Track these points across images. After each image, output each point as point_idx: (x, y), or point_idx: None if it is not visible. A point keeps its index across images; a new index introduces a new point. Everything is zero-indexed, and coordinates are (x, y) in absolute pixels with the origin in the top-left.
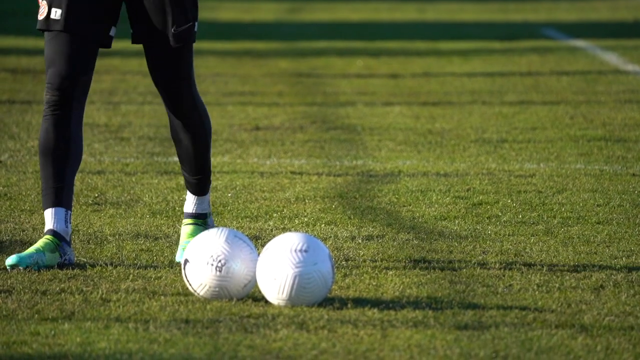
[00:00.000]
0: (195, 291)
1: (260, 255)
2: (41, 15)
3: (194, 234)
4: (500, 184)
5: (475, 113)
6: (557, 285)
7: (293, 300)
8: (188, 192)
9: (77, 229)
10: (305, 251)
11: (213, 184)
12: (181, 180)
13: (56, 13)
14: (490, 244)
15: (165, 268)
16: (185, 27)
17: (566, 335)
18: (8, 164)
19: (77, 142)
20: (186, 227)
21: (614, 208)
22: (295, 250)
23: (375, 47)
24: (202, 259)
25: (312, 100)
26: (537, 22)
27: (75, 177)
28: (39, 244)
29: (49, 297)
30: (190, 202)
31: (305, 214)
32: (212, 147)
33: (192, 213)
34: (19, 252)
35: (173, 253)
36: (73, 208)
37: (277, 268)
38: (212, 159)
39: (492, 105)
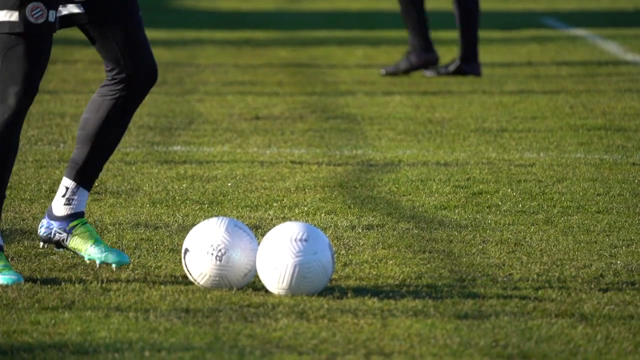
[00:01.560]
0: (195, 280)
1: (260, 244)
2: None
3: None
4: (500, 173)
5: (475, 102)
6: (557, 274)
7: (293, 290)
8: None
9: None
10: (305, 240)
11: (214, 173)
12: (181, 170)
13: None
14: (490, 233)
15: (165, 257)
16: None
17: (566, 325)
18: None
19: None
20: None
21: (614, 197)
22: (295, 240)
23: (375, 37)
24: (202, 248)
25: (312, 89)
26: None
27: None
28: None
29: (49, 286)
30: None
31: (305, 203)
32: (213, 137)
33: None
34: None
35: (173, 242)
36: None
37: (277, 257)
38: (212, 148)
39: (492, 95)
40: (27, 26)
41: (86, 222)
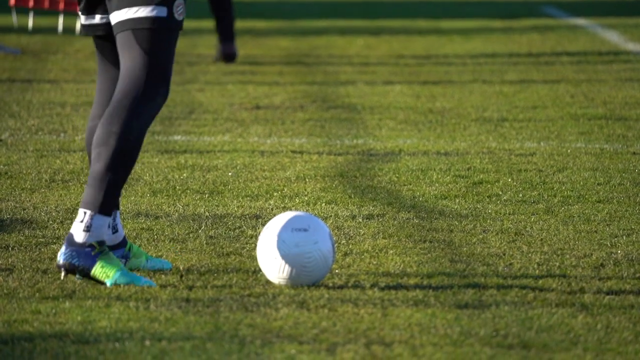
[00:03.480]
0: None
1: (261, 234)
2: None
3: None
4: (501, 162)
5: (475, 92)
6: (557, 264)
7: (293, 280)
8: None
9: (78, 207)
10: (306, 230)
11: (214, 162)
12: (181, 159)
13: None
14: (491, 222)
15: (165, 247)
16: None
17: (566, 314)
18: (8, 143)
19: None
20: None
21: (615, 187)
22: (296, 229)
23: (376, 26)
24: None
25: (312, 79)
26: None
27: (76, 156)
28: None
29: (49, 275)
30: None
31: (306, 193)
32: (214, 126)
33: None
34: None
35: (174, 232)
36: (73, 187)
37: (277, 247)
38: (213, 138)
39: (493, 84)
40: (174, 22)
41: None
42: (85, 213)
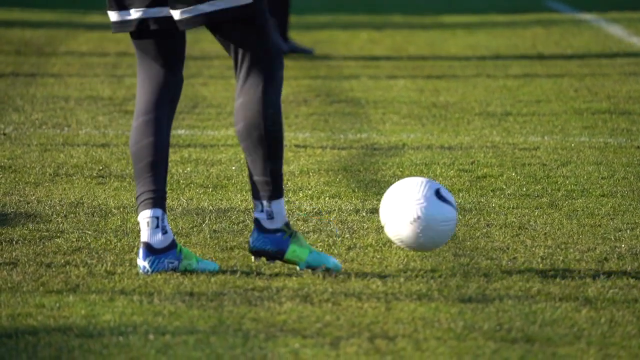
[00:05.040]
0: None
1: (395, 194)
2: None
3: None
4: (505, 157)
5: (479, 86)
6: (561, 258)
7: (421, 243)
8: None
9: (81, 201)
10: (451, 204)
11: (218, 156)
12: (185, 153)
13: None
14: (495, 216)
15: None
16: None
17: (570, 308)
18: (12, 137)
19: None
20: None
21: (618, 181)
22: (443, 200)
23: (380, 21)
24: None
25: (316, 73)
26: None
27: (79, 150)
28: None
29: (53, 269)
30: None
31: (310, 187)
32: (217, 120)
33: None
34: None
35: (177, 226)
36: (77, 180)
37: (412, 210)
38: (216, 132)
39: (497, 78)
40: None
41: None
42: (262, 204)
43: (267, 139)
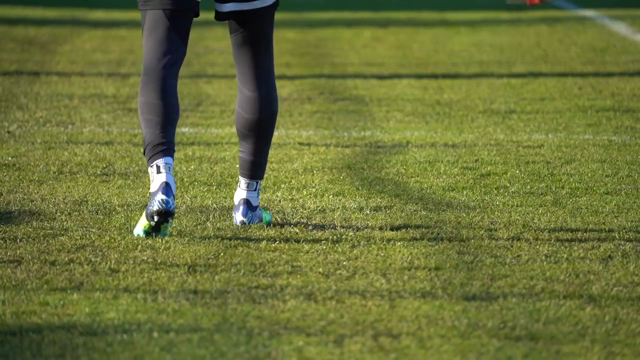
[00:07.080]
0: None
1: None
2: None
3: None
4: (509, 154)
5: (483, 84)
6: (565, 255)
7: None
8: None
9: (85, 199)
10: None
11: (222, 154)
12: (189, 151)
13: None
14: (499, 214)
15: (173, 239)
16: None
17: (574, 306)
18: (16, 135)
19: None
20: None
21: (623, 178)
22: None
23: (383, 18)
24: None
25: (319, 71)
26: None
27: (83, 148)
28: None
29: (57, 267)
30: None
31: (314, 184)
32: (221, 118)
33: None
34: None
35: (181, 223)
36: (81, 178)
37: None
38: (220, 130)
39: (500, 76)
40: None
41: None
42: (257, 183)
43: (274, 124)
